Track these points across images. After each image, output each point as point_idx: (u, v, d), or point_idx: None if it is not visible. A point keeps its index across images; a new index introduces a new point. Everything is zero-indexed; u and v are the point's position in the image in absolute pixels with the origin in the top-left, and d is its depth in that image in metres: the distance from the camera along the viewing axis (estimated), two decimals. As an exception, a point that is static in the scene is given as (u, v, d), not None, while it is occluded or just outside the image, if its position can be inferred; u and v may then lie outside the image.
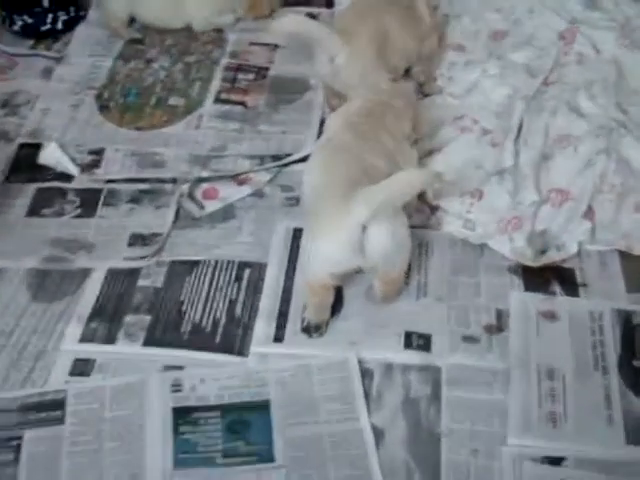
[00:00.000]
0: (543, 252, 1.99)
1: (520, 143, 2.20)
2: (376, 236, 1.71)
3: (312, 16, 2.81)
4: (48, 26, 2.73)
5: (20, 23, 2.71)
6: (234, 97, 2.52)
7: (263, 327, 1.88)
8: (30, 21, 2.71)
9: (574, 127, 2.22)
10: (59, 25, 2.74)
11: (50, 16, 2.72)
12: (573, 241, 2.00)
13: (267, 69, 2.63)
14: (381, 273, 1.83)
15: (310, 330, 1.87)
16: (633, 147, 2.15)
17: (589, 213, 2.04)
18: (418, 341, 1.84)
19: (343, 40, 2.21)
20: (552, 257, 1.99)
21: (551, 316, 1.87)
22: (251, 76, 2.60)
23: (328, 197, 1.76)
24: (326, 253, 1.75)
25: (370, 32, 2.25)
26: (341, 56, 2.21)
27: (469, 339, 1.84)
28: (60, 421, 1.71)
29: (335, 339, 1.85)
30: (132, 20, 2.77)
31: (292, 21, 2.28)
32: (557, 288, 1.94)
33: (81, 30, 2.77)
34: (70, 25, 2.76)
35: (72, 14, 2.76)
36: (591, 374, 1.76)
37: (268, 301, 1.94)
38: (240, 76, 2.60)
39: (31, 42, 2.73)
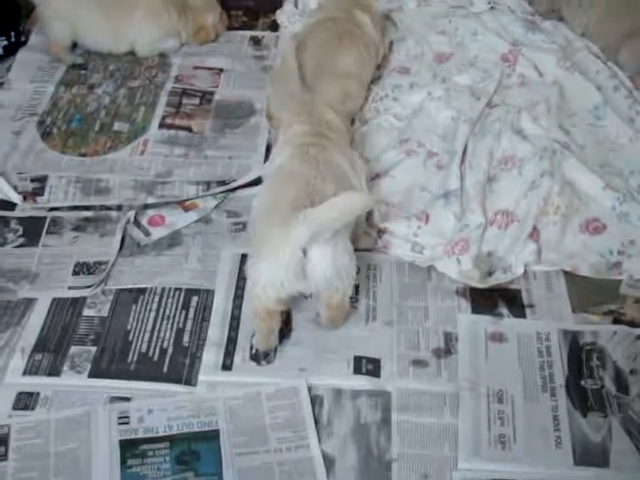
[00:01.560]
0: (490, 274, 2.01)
1: (465, 166, 2.22)
2: (317, 259, 1.71)
3: (256, 40, 2.84)
4: (-12, 52, 2.69)
5: (-42, 49, 2.67)
6: (179, 122, 2.50)
7: (211, 355, 1.86)
8: (-31, 47, 2.67)
9: (518, 149, 2.24)
10: (-1, 51, 2.70)
11: (-10, 41, 2.68)
12: (519, 262, 2.02)
13: (212, 93, 2.62)
14: (324, 298, 1.83)
15: (259, 357, 1.85)
16: (576, 169, 2.19)
17: (534, 234, 2.06)
18: (367, 366, 1.83)
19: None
20: (499, 279, 2.01)
21: (499, 338, 1.88)
22: (196, 100, 2.59)
23: (271, 220, 1.75)
24: (267, 275, 1.74)
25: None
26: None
27: (418, 363, 1.84)
28: (3, 457, 1.66)
29: (284, 366, 1.84)
30: (75, 45, 2.74)
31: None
32: (504, 310, 1.95)
33: (22, 55, 2.73)
34: (11, 50, 2.72)
35: (13, 39, 2.72)
36: (540, 396, 1.77)
37: (216, 329, 1.92)
38: (185, 101, 2.58)
39: (-30, 68, 2.69)
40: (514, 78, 2.54)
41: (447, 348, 1.87)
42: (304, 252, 1.68)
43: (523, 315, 1.94)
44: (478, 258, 2.02)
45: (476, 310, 1.95)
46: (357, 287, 1.91)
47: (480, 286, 1.99)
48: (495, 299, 1.97)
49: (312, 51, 2.33)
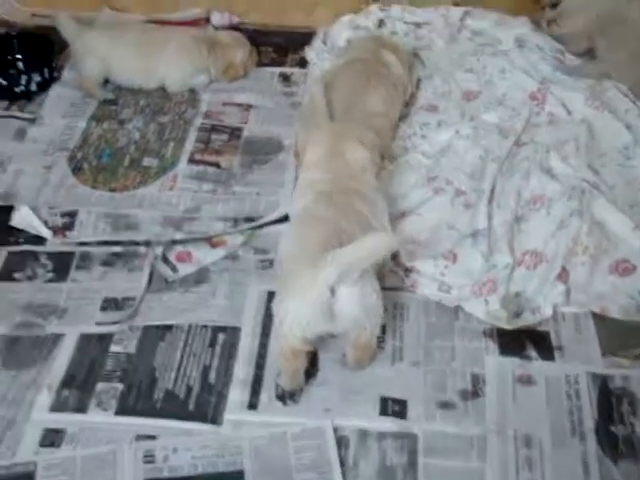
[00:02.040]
0: (518, 315, 1.99)
1: (493, 205, 2.21)
2: (345, 299, 1.70)
3: (285, 76, 2.86)
4: (22, 88, 2.73)
5: (-7, 85, 2.71)
6: (208, 158, 2.52)
7: (237, 394, 1.86)
8: (4, 83, 2.71)
9: (547, 188, 2.24)
10: (33, 87, 2.74)
11: (24, 78, 2.72)
12: (548, 304, 2.01)
13: (241, 129, 2.64)
14: (352, 337, 1.82)
15: (285, 397, 1.85)
16: (606, 209, 2.18)
17: (563, 275, 2.05)
18: (394, 407, 1.82)
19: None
20: (527, 320, 1.99)
21: (527, 381, 1.87)
22: (225, 137, 2.61)
23: (299, 260, 1.75)
24: (294, 315, 1.74)
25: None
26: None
27: (445, 405, 1.83)
28: (30, 494, 1.67)
29: (310, 406, 1.83)
30: (106, 81, 2.78)
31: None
32: (532, 352, 1.93)
33: (55, 91, 2.77)
34: (44, 87, 2.76)
35: (46, 76, 2.76)
36: (568, 440, 1.75)
37: (242, 367, 1.92)
38: (214, 136, 2.60)
39: (5, 104, 2.73)
40: (543, 116, 2.54)
41: (474, 390, 1.86)
42: (332, 292, 1.68)
43: (552, 357, 1.92)
44: (506, 299, 2.01)
45: (504, 352, 1.93)
46: (383, 327, 1.90)
47: (508, 327, 1.98)
48: (523, 341, 1.96)
49: (340, 92, 2.35)
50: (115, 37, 2.76)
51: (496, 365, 1.90)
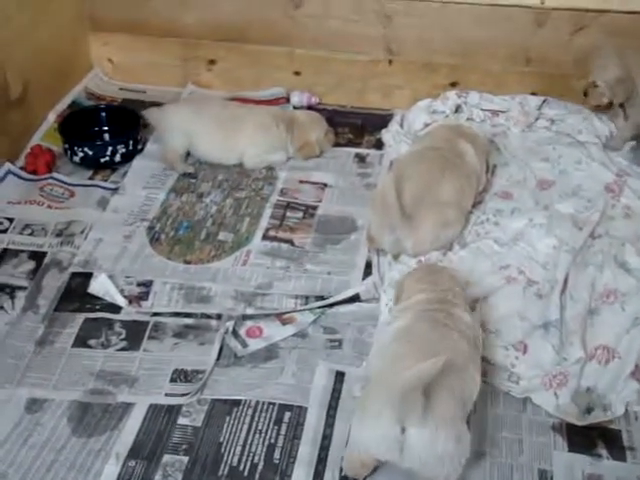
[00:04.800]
0: (589, 411, 1.96)
1: (566, 296, 2.19)
2: (414, 441, 1.65)
3: (361, 157, 2.91)
4: (107, 158, 2.82)
5: (81, 155, 2.81)
6: (282, 235, 2.56)
7: (301, 474, 1.85)
8: (90, 153, 2.81)
9: (621, 283, 2.21)
10: (117, 158, 2.84)
11: (110, 149, 2.82)
12: (620, 401, 1.97)
13: (315, 208, 2.68)
14: (420, 477, 1.75)
15: (349, 479, 1.84)
16: (681, 306, 2.14)
17: (637, 373, 2.01)
18: (457, 498, 1.79)
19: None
20: (598, 417, 1.96)
21: (598, 480, 1.83)
22: (299, 214, 2.65)
23: (381, 386, 1.71)
24: (362, 443, 1.73)
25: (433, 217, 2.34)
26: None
27: (512, 501, 1.80)
28: None
29: (374, 492, 1.82)
30: (187, 154, 2.86)
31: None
32: (604, 451, 1.89)
33: (138, 163, 2.86)
34: (128, 158, 2.86)
35: (130, 147, 2.86)
36: None
37: (307, 447, 1.92)
38: (289, 214, 2.65)
39: (90, 173, 2.83)
40: (618, 209, 2.52)
41: (542, 487, 1.83)
42: (402, 430, 1.64)
43: (623, 458, 1.88)
44: (577, 393, 1.98)
45: (573, 449, 1.90)
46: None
47: (578, 423, 1.94)
48: (593, 438, 1.92)
49: (413, 180, 2.36)
50: (197, 111, 2.85)
51: (565, 462, 1.87)
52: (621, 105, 2.79)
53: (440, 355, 1.66)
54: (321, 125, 2.92)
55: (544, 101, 2.97)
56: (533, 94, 3.00)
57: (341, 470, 1.86)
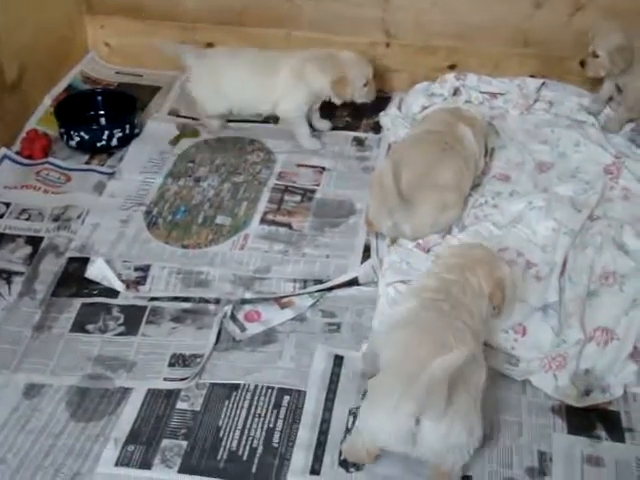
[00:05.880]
0: (587, 393, 1.96)
1: (565, 278, 2.19)
2: (428, 433, 1.65)
3: (359, 140, 2.89)
4: (103, 142, 2.81)
5: (77, 139, 2.80)
6: (280, 219, 2.55)
7: (300, 458, 1.85)
8: (86, 137, 2.79)
9: (620, 264, 2.21)
10: (114, 142, 2.82)
11: (106, 133, 2.81)
12: (618, 383, 1.97)
13: (313, 191, 2.67)
14: (432, 465, 1.75)
15: (348, 464, 1.83)
16: (680, 288, 2.14)
17: (635, 354, 2.01)
18: (459, 482, 1.80)
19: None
20: (597, 399, 1.96)
21: (596, 462, 1.82)
22: (297, 198, 2.64)
23: (396, 375, 1.69)
24: (374, 433, 1.72)
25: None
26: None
27: (511, 482, 1.80)
28: None
29: (373, 474, 1.81)
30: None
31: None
32: (602, 432, 1.89)
33: (134, 147, 2.85)
34: (124, 142, 2.84)
35: (127, 132, 2.84)
36: (637, 524, 1.70)
37: (306, 431, 1.91)
38: (287, 197, 2.64)
39: (86, 157, 2.81)
40: (617, 191, 2.52)
41: (541, 468, 1.82)
42: (416, 421, 1.64)
43: (622, 439, 1.88)
44: (575, 375, 1.98)
45: (572, 430, 1.90)
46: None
47: (577, 405, 1.94)
48: (592, 420, 1.92)
49: (412, 163, 2.35)
50: (232, 55, 2.85)
51: (564, 443, 1.87)
52: (617, 88, 2.78)
53: (451, 345, 1.67)
54: (362, 67, 2.83)
55: (543, 83, 2.96)
56: (532, 76, 2.99)
57: (340, 454, 1.85)
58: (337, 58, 2.81)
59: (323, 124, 2.94)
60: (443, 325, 1.78)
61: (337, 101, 2.85)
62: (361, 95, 2.85)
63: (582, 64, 2.70)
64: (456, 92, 2.97)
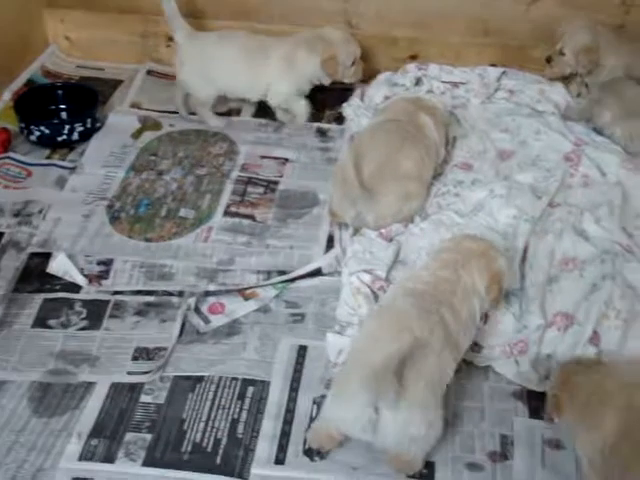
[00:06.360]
0: (548, 377, 1.98)
1: (526, 265, 2.21)
2: (387, 423, 1.67)
3: (322, 131, 2.90)
4: (64, 137, 2.79)
5: (37, 134, 2.77)
6: (243, 210, 2.55)
7: (265, 448, 1.86)
8: (47, 132, 2.77)
9: (580, 250, 2.23)
10: (75, 136, 2.80)
11: (67, 127, 2.78)
12: (579, 367, 1.99)
13: (277, 183, 2.67)
14: (393, 453, 1.77)
15: (312, 453, 1.84)
16: (638, 272, 2.16)
17: (595, 338, 2.03)
18: (421, 470, 1.80)
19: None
20: (557, 383, 1.97)
21: (556, 445, 1.85)
22: (261, 190, 2.64)
23: (358, 365, 1.70)
24: (335, 419, 1.74)
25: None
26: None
27: (473, 467, 1.82)
28: (55, 543, 1.68)
29: (337, 463, 1.82)
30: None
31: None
32: (562, 415, 1.91)
33: (96, 141, 2.83)
34: (86, 136, 2.82)
35: (88, 126, 2.82)
36: (595, 506, 1.72)
37: (270, 421, 1.92)
38: (250, 189, 2.64)
39: (47, 152, 2.79)
40: (577, 178, 2.54)
41: (503, 452, 1.84)
42: (376, 410, 1.66)
43: (582, 422, 1.90)
44: (537, 360, 2.00)
45: (533, 414, 1.92)
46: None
47: (538, 389, 1.96)
48: (553, 404, 1.94)
49: (373, 153, 2.36)
50: (222, 38, 2.84)
51: (525, 427, 1.89)
52: (585, 84, 2.80)
53: (412, 334, 1.68)
54: (350, 46, 2.83)
55: (503, 72, 2.98)
56: (492, 65, 3.01)
57: (304, 443, 1.86)
58: (326, 38, 2.81)
59: (218, 121, 2.93)
60: (414, 315, 1.77)
61: (326, 82, 2.85)
62: (349, 74, 2.86)
63: (548, 60, 2.71)
64: (418, 82, 2.99)
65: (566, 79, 2.90)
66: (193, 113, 2.94)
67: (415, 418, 1.67)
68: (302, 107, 2.88)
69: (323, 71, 2.81)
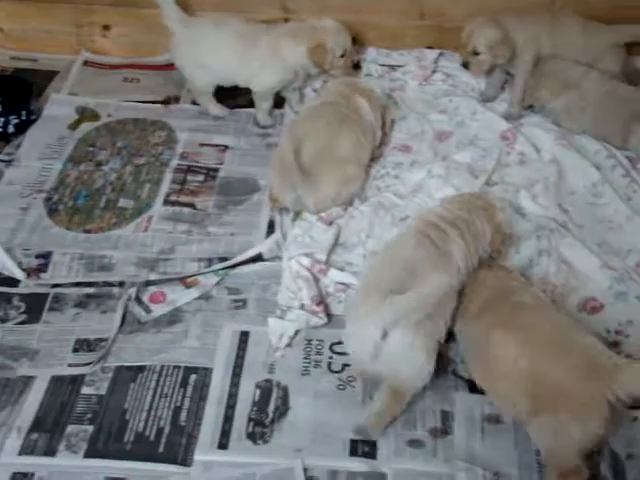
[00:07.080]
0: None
1: (464, 243, 2.23)
2: (394, 344, 1.74)
3: (262, 117, 2.88)
4: (-1, 129, 2.75)
5: (-29, 127, 2.73)
6: (183, 199, 2.54)
7: (207, 433, 1.87)
8: (-19, 125, 2.73)
9: (516, 227, 2.26)
10: (10, 129, 2.76)
11: (2, 120, 2.74)
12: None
13: (217, 170, 2.66)
14: (387, 383, 1.83)
15: (255, 436, 1.85)
16: (573, 247, 2.20)
17: (531, 313, 2.06)
18: (364, 448, 1.83)
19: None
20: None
21: (496, 420, 1.88)
22: (201, 177, 2.63)
23: (367, 292, 1.82)
24: (349, 342, 1.85)
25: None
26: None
27: (415, 443, 1.84)
28: (-3, 539, 1.67)
29: (281, 446, 1.83)
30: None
31: None
32: (502, 390, 1.94)
33: (32, 133, 2.79)
34: (21, 129, 2.78)
35: (24, 118, 2.78)
36: (535, 479, 1.75)
37: (213, 407, 1.93)
38: (190, 177, 2.63)
39: (-18, 146, 2.74)
40: (513, 156, 2.57)
41: (444, 428, 1.87)
42: (384, 335, 1.72)
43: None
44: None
45: (473, 390, 1.94)
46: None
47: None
48: (492, 379, 1.97)
49: (311, 137, 2.36)
50: (218, 24, 2.79)
51: (465, 403, 1.92)
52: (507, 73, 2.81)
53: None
54: (340, 37, 2.75)
55: (440, 54, 2.99)
56: (429, 47, 3.02)
57: (247, 427, 1.87)
58: (317, 27, 2.74)
59: (219, 110, 2.90)
60: (423, 255, 1.89)
61: (314, 72, 2.81)
62: (337, 66, 2.77)
63: (465, 66, 2.70)
64: (356, 66, 2.99)
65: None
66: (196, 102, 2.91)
67: (418, 343, 1.76)
68: (263, 110, 2.84)
69: (310, 60, 2.74)
